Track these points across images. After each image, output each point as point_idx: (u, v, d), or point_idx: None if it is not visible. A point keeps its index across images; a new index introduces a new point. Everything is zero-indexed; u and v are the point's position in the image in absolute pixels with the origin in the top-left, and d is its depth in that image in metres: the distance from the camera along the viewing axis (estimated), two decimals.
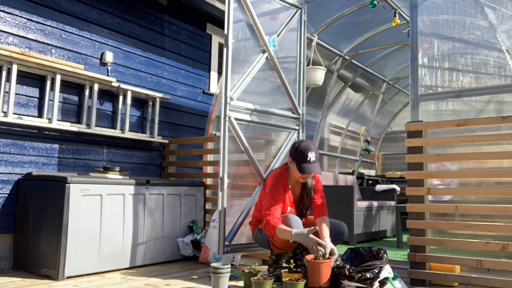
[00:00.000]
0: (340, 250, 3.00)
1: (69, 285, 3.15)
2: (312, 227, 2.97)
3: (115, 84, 4.50)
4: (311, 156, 3.15)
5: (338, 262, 2.91)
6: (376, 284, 2.73)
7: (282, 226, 3.01)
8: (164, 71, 5.24)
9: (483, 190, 3.15)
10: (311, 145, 3.20)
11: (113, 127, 4.61)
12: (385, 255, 2.94)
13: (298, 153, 3.17)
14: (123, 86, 4.58)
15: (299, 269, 3.11)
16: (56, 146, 4.10)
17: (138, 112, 4.91)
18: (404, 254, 3.81)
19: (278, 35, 4.13)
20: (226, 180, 3.55)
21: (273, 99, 4.15)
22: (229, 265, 2.99)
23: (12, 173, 3.78)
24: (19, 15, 3.90)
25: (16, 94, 3.83)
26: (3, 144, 3.74)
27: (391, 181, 7.43)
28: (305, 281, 2.87)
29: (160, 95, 5.00)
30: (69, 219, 3.36)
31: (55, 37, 4.16)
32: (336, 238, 3.24)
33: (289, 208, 3.26)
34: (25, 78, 3.90)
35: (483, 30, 3.36)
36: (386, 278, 2.77)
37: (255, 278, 2.92)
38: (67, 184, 3.38)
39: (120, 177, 3.95)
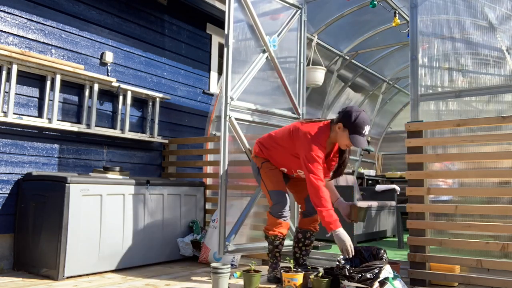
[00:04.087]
0: (339, 251, 2.99)
1: (69, 285, 3.15)
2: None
3: (115, 84, 4.50)
4: (366, 130, 3.04)
5: (338, 262, 2.91)
6: (376, 284, 2.73)
7: (332, 212, 2.95)
8: (164, 71, 5.24)
9: (483, 190, 3.14)
10: (367, 118, 3.05)
11: (113, 127, 4.61)
12: (385, 255, 2.94)
13: (355, 125, 3.00)
14: (123, 86, 4.58)
15: (299, 269, 3.12)
16: (56, 146, 4.10)
17: (138, 112, 4.91)
18: (404, 254, 3.81)
19: (278, 35, 4.13)
20: (226, 180, 3.55)
21: (273, 99, 4.15)
22: (229, 265, 2.99)
23: (12, 173, 3.78)
24: (19, 15, 3.90)
25: (16, 94, 3.83)
26: (3, 144, 3.74)
27: (391, 181, 7.41)
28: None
29: (160, 95, 4.99)
30: (69, 219, 3.36)
31: (55, 37, 4.16)
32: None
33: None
34: (25, 78, 3.90)
35: (483, 30, 3.36)
36: (386, 278, 2.77)
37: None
38: (67, 184, 3.38)
39: (120, 177, 3.95)
